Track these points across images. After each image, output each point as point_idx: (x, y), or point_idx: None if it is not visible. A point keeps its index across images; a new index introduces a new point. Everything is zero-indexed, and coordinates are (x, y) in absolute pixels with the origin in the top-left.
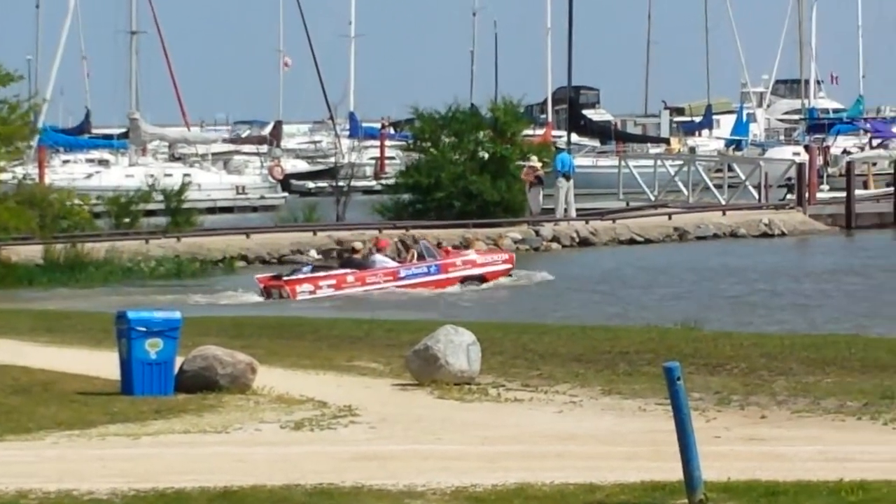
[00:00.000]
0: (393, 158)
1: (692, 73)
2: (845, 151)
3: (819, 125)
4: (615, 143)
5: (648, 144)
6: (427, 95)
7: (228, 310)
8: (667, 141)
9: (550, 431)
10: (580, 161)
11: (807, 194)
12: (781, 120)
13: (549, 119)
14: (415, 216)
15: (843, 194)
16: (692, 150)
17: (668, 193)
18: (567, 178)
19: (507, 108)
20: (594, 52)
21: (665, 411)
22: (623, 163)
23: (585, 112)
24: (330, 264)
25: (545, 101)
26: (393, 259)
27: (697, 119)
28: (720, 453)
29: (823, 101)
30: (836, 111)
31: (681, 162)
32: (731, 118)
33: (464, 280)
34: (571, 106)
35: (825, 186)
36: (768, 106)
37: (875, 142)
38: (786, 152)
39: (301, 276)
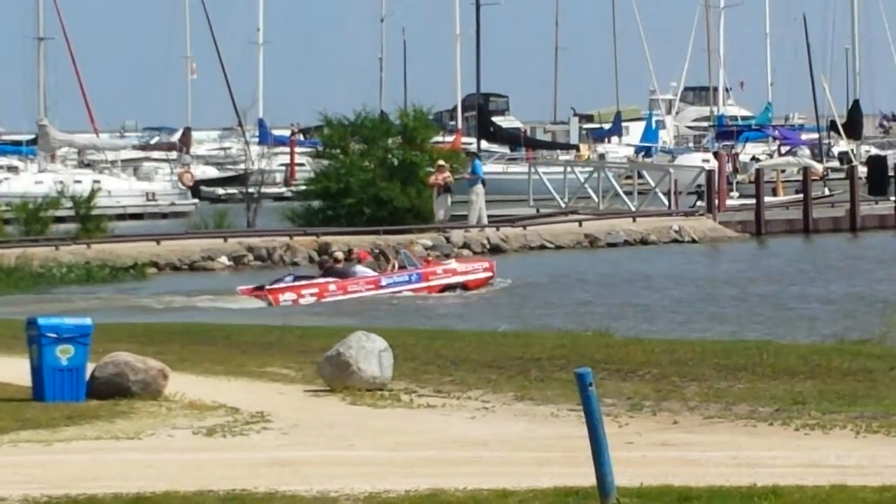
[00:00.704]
0: (303, 165)
1: (601, 80)
2: (754, 158)
3: (728, 132)
4: (525, 150)
5: (558, 151)
6: (336, 102)
7: (236, 315)
8: (576, 148)
9: (463, 437)
10: (490, 168)
11: (716, 201)
12: (690, 127)
13: (459, 126)
14: (325, 222)
15: (753, 201)
16: (602, 156)
17: (578, 200)
18: (483, 184)
19: (417, 114)
20: (503, 58)
21: (577, 417)
22: (533, 170)
23: (495, 119)
24: (311, 274)
25: (455, 108)
26: (373, 269)
27: (607, 126)
28: (633, 459)
29: (732, 109)
30: (744, 118)
31: (591, 169)
32: (641, 125)
33: (445, 289)
34: (481, 113)
35: (735, 193)
36: (677, 113)
37: (783, 149)
38: (695, 159)
39: (283, 284)
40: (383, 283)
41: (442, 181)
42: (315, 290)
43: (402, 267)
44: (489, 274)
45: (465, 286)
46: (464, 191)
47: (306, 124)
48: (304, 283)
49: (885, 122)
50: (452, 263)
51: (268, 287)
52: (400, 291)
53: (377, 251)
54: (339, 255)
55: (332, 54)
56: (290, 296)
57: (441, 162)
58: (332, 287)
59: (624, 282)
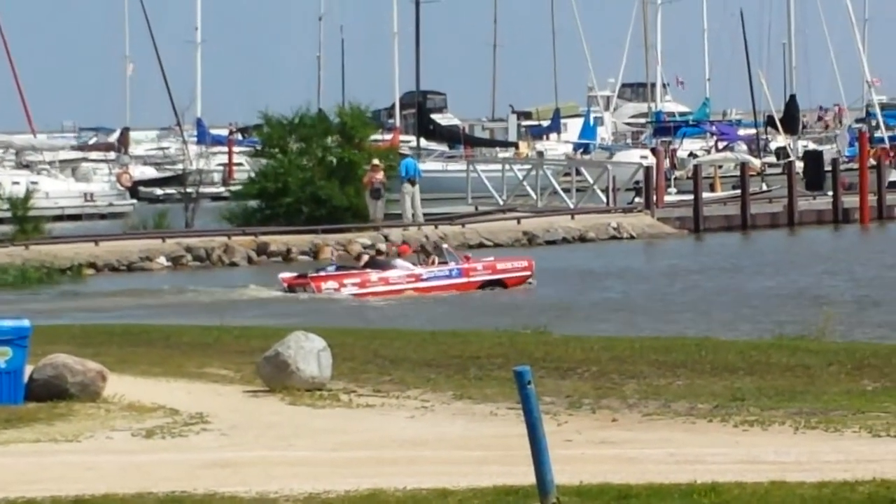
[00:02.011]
0: (241, 165)
1: (539, 77)
2: (692, 154)
3: (665, 128)
4: (464, 148)
5: (497, 149)
6: (275, 101)
7: (249, 305)
8: (515, 145)
9: (402, 437)
10: (429, 166)
11: (654, 197)
12: (628, 123)
13: (397, 124)
14: (263, 222)
15: (691, 197)
16: (540, 154)
17: (516, 198)
18: (412, 183)
19: (355, 113)
20: (441, 56)
21: (517, 415)
22: (471, 167)
23: (433, 116)
24: (353, 265)
25: (393, 106)
26: (414, 264)
27: (545, 123)
28: (572, 457)
29: (670, 105)
30: (682, 114)
31: (529, 166)
32: (579, 122)
33: (484, 285)
34: (419, 110)
35: (672, 189)
36: (615, 109)
37: (721, 144)
38: (633, 156)
39: (325, 273)
40: (424, 276)
41: (376, 182)
42: (357, 281)
43: (442, 262)
44: (528, 273)
45: (503, 284)
46: (398, 189)
47: (244, 123)
48: (346, 272)
49: (823, 117)
50: (492, 260)
51: (311, 275)
52: (441, 286)
53: (419, 246)
54: (382, 247)
55: (271, 53)
56: (332, 284)
57: (376, 161)
58: (373, 278)
59: (563, 276)
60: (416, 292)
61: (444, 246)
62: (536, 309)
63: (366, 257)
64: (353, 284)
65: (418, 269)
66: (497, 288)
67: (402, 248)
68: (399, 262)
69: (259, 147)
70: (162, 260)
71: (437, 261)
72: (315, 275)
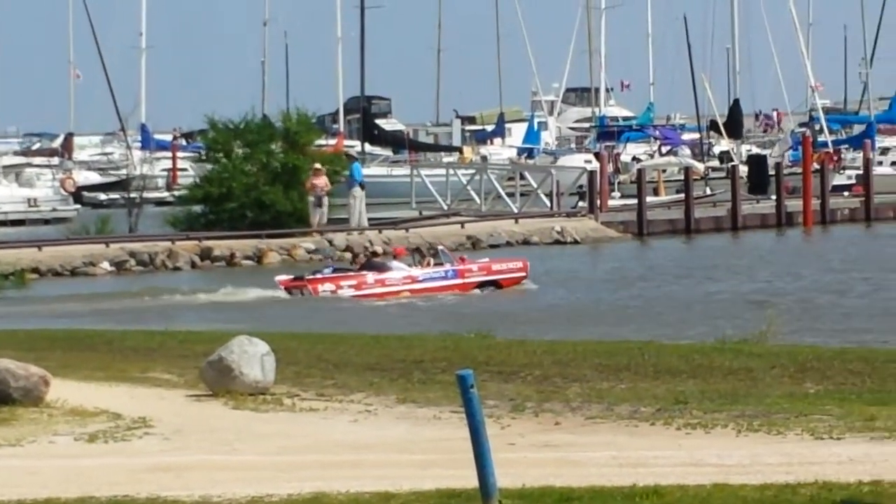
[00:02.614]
0: (185, 170)
1: (484, 81)
2: (635, 159)
3: (609, 133)
4: (408, 153)
5: (441, 153)
6: (219, 106)
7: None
8: (459, 150)
9: (345, 440)
10: (374, 171)
11: (598, 202)
12: (572, 128)
13: (342, 129)
14: (207, 227)
15: (635, 201)
16: (484, 158)
17: (460, 202)
18: (363, 187)
19: (300, 118)
20: (385, 61)
21: (460, 419)
22: (416, 172)
23: (378, 121)
24: (349, 267)
25: (337, 111)
26: (409, 265)
27: (489, 128)
28: (515, 460)
29: (614, 109)
30: (625, 119)
31: (473, 171)
32: (523, 126)
33: (480, 286)
34: (364, 116)
35: (616, 194)
36: (559, 114)
37: (664, 149)
38: (577, 160)
39: (322, 275)
40: (420, 277)
41: (318, 189)
42: (354, 283)
43: (438, 263)
44: (523, 274)
45: (498, 284)
46: (345, 194)
47: (189, 128)
48: (343, 274)
49: (766, 122)
50: (487, 261)
51: (307, 277)
52: (436, 287)
53: (413, 248)
54: (378, 249)
55: (215, 58)
56: (329, 286)
57: (317, 165)
58: (370, 280)
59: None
60: (413, 294)
61: (440, 247)
62: (488, 313)
63: (363, 259)
64: (350, 286)
65: (414, 271)
66: (492, 288)
67: (398, 249)
68: (395, 263)
69: (203, 152)
70: (105, 265)
71: (432, 262)
72: (312, 277)
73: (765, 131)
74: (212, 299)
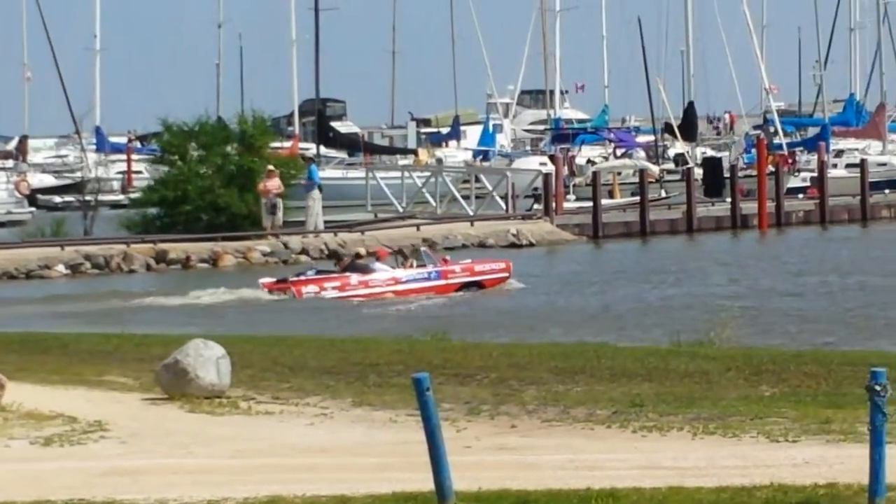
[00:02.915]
0: (140, 172)
1: (439, 84)
2: (589, 161)
3: (564, 135)
4: (363, 155)
5: (397, 156)
6: (174, 108)
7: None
8: (415, 152)
9: (302, 444)
10: (329, 173)
11: (553, 204)
12: (528, 130)
13: (297, 131)
14: (162, 230)
15: (590, 204)
16: (439, 161)
17: (416, 205)
18: (321, 189)
19: (255, 120)
20: (340, 63)
21: (416, 422)
22: (371, 174)
23: (333, 124)
24: (332, 269)
25: (292, 114)
26: (392, 267)
27: (444, 130)
28: (471, 463)
29: (568, 112)
30: (580, 121)
31: (428, 173)
32: (478, 129)
33: (462, 287)
34: (319, 118)
35: (571, 196)
36: (514, 116)
37: (619, 151)
38: (532, 162)
39: (306, 277)
40: (403, 279)
41: (272, 195)
42: (337, 284)
43: (420, 265)
44: (506, 274)
45: (481, 285)
46: (300, 196)
47: (144, 131)
48: (326, 276)
49: (717, 125)
50: (470, 262)
51: (291, 279)
52: (419, 288)
53: (395, 249)
54: (362, 251)
55: (170, 60)
56: (312, 288)
57: (271, 167)
58: (353, 281)
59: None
60: (396, 295)
61: (423, 249)
62: (445, 316)
63: (346, 261)
64: (334, 288)
65: (397, 272)
66: (475, 289)
67: (380, 251)
68: (378, 265)
69: (158, 155)
70: (60, 268)
71: (414, 263)
72: (296, 279)
73: (718, 133)
74: (198, 301)
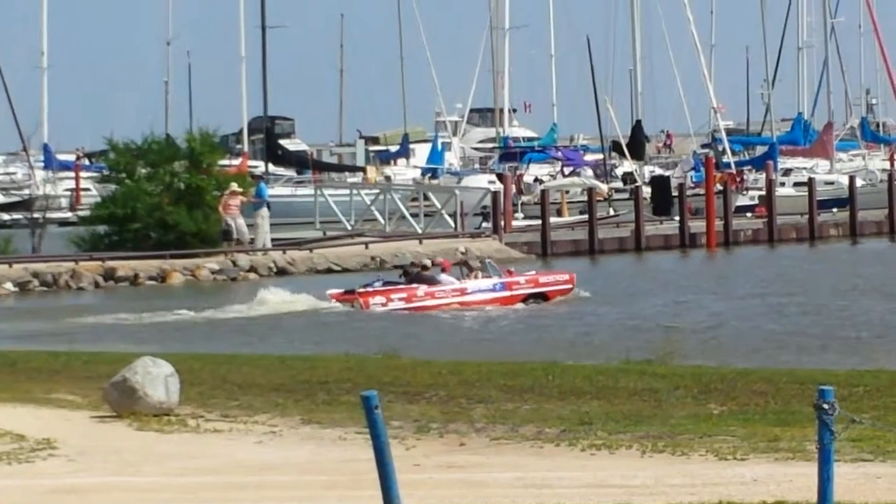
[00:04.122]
0: (89, 190)
1: (387, 101)
2: (537, 180)
3: (512, 154)
4: (312, 173)
5: (346, 174)
6: (122, 126)
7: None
8: (363, 170)
9: (250, 462)
10: (277, 191)
11: (502, 222)
12: (476, 148)
13: (245, 149)
14: (111, 247)
15: (538, 222)
16: (388, 178)
17: (364, 223)
18: (268, 207)
19: (203, 138)
20: (289, 81)
21: (365, 440)
22: (319, 192)
23: (281, 142)
24: (398, 280)
25: (241, 131)
26: (457, 279)
27: (393, 148)
28: (420, 481)
29: (517, 130)
30: (529, 139)
31: (377, 191)
32: (427, 147)
33: (526, 298)
34: (267, 136)
35: (520, 214)
36: (463, 134)
37: (567, 170)
38: (481, 180)
39: (373, 289)
40: (469, 290)
41: (234, 209)
42: (404, 295)
43: (486, 276)
44: (570, 286)
45: (545, 297)
46: (249, 214)
47: (92, 149)
48: (393, 287)
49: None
50: (534, 274)
51: (358, 291)
52: (485, 300)
53: (460, 261)
54: (427, 262)
55: (118, 78)
56: (380, 299)
57: (234, 186)
58: (419, 292)
59: None
60: (462, 306)
61: (487, 260)
62: (394, 333)
63: (412, 272)
64: (400, 299)
65: (463, 283)
66: (539, 301)
67: (444, 262)
68: (444, 276)
69: (107, 172)
70: (8, 286)
71: (479, 275)
72: (362, 290)
73: (658, 152)
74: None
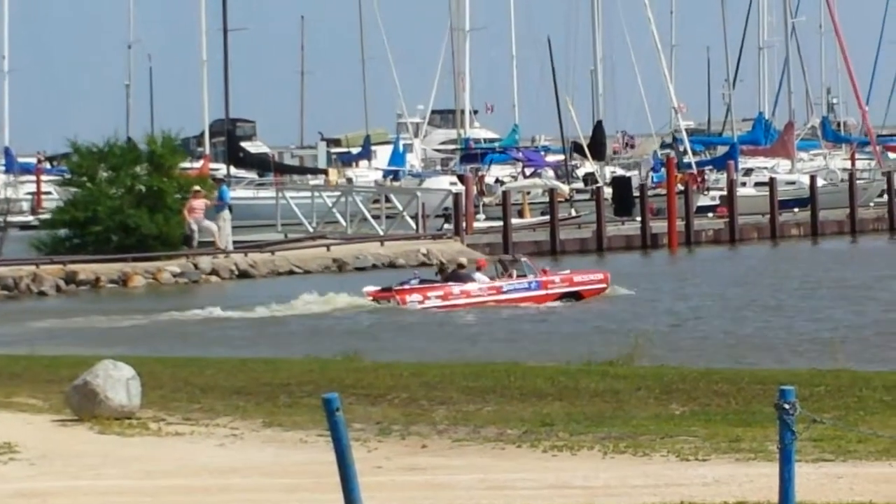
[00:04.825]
0: (50, 193)
1: (349, 104)
2: (498, 181)
3: (473, 155)
4: (273, 175)
5: (307, 176)
6: (84, 129)
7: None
8: (325, 172)
9: (212, 464)
10: (239, 193)
11: (464, 224)
12: (438, 150)
13: (207, 152)
14: (72, 251)
15: (500, 223)
16: (350, 181)
17: (326, 225)
18: (230, 210)
19: (164, 141)
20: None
21: (326, 442)
22: (281, 195)
23: (243, 144)
24: (434, 278)
25: (202, 134)
26: (491, 277)
27: (355, 150)
28: (382, 483)
29: (479, 131)
30: (490, 141)
31: (339, 193)
32: (389, 149)
33: (561, 297)
34: (229, 138)
35: (481, 216)
36: (425, 136)
37: (528, 171)
38: (443, 182)
39: (409, 286)
40: (504, 289)
41: (198, 210)
42: (441, 293)
43: (521, 275)
44: (604, 285)
45: (579, 296)
46: (211, 216)
47: (53, 152)
48: (430, 285)
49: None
50: (569, 273)
51: (395, 288)
52: (520, 298)
53: (495, 260)
54: (463, 260)
55: (80, 81)
56: (416, 297)
57: (197, 188)
58: (456, 291)
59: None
60: (497, 304)
61: (523, 259)
62: (354, 334)
63: (448, 270)
64: (437, 297)
65: (498, 282)
66: (573, 300)
67: (480, 261)
68: (478, 275)
69: (68, 176)
70: None
71: (515, 274)
72: (399, 287)
73: (615, 152)
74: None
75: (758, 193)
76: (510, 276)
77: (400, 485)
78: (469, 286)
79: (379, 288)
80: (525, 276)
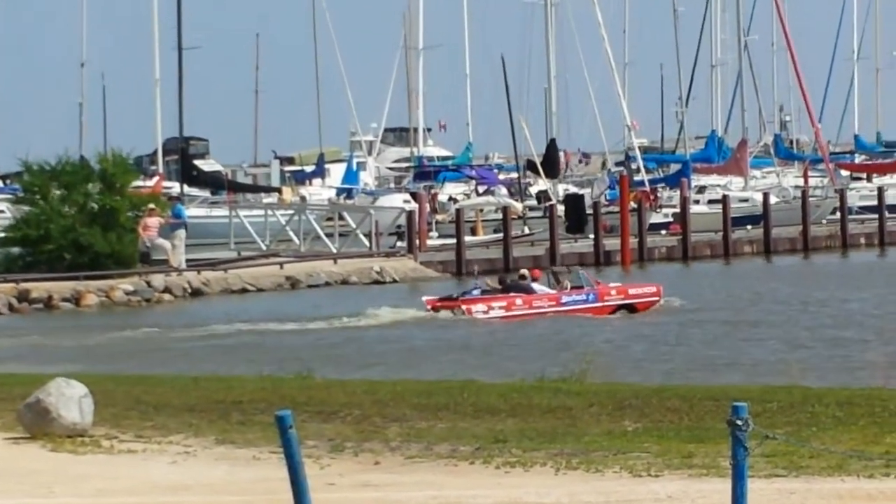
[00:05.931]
0: (2, 212)
1: (302, 122)
2: (451, 199)
3: (426, 173)
4: (227, 194)
5: (261, 194)
6: (36, 147)
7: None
8: (278, 190)
9: (165, 482)
10: (192, 212)
11: (417, 241)
12: (391, 168)
13: (160, 170)
14: (25, 269)
15: (453, 241)
16: (303, 199)
17: (279, 243)
18: (186, 228)
19: (117, 159)
20: (203, 102)
21: (279, 459)
22: (234, 213)
23: (196, 162)
24: (496, 287)
25: (155, 152)
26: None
27: (308, 168)
28: (334, 500)
29: (432, 149)
30: (443, 158)
31: (292, 211)
32: (342, 167)
33: (616, 309)
34: (182, 157)
35: (434, 233)
36: (378, 154)
37: (481, 188)
38: (396, 200)
39: (472, 296)
40: (564, 300)
41: (152, 228)
42: (504, 304)
43: (576, 287)
44: (657, 298)
45: (634, 308)
46: (166, 235)
47: (6, 171)
48: (493, 295)
49: (582, 160)
50: (623, 285)
51: (460, 298)
52: (579, 309)
53: (549, 271)
54: (525, 272)
55: (32, 99)
56: (481, 307)
57: (152, 206)
58: (518, 301)
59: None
60: (556, 315)
61: (581, 272)
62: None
63: (508, 281)
64: (500, 307)
65: (557, 293)
66: (627, 312)
67: (535, 272)
68: (536, 286)
69: (20, 194)
70: None
71: (569, 285)
72: (464, 297)
73: (567, 163)
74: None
75: (711, 211)
76: (563, 287)
77: (352, 501)
78: (531, 296)
79: (437, 298)
80: (580, 287)
